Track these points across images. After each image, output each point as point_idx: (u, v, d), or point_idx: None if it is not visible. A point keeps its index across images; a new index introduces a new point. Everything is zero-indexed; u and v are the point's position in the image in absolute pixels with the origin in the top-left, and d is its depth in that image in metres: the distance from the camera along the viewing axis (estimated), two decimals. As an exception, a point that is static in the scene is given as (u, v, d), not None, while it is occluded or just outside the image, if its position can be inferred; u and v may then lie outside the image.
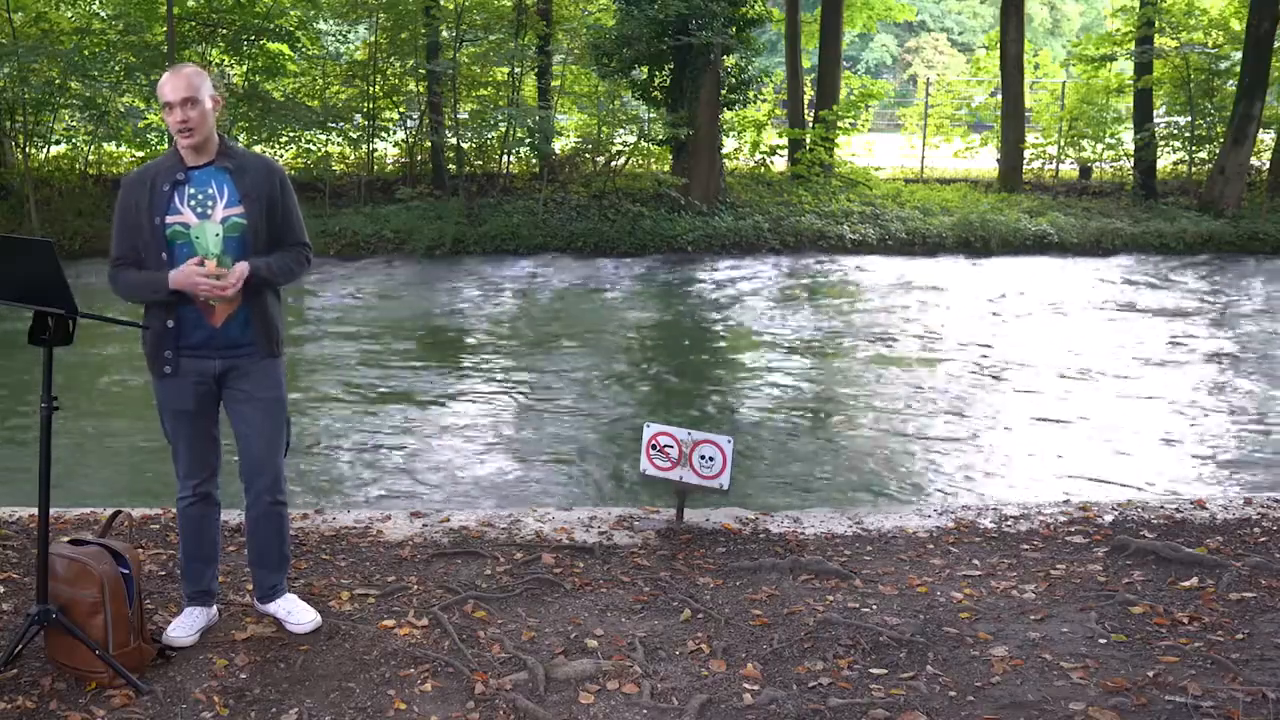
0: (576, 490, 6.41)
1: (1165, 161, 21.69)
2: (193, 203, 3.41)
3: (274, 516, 3.63)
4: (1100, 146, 21.99)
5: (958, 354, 10.02)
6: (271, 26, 18.16)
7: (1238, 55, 19.59)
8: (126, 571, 3.33)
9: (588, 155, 19.38)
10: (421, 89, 19.27)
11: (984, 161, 23.29)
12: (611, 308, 12.52)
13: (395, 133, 20.17)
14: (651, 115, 18.46)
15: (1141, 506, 5.05)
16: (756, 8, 18.17)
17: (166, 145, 16.20)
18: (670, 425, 4.82)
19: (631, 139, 18.91)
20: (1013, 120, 20.87)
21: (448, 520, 4.78)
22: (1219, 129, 20.15)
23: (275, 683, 3.35)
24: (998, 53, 21.71)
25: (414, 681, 3.38)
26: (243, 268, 3.40)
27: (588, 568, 4.29)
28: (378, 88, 19.21)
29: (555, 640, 3.67)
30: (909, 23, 45.94)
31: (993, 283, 14.24)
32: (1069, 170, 22.77)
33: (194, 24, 17.94)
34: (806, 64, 25.14)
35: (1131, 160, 20.86)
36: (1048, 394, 8.59)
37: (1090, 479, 6.54)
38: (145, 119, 18.58)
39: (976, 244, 16.77)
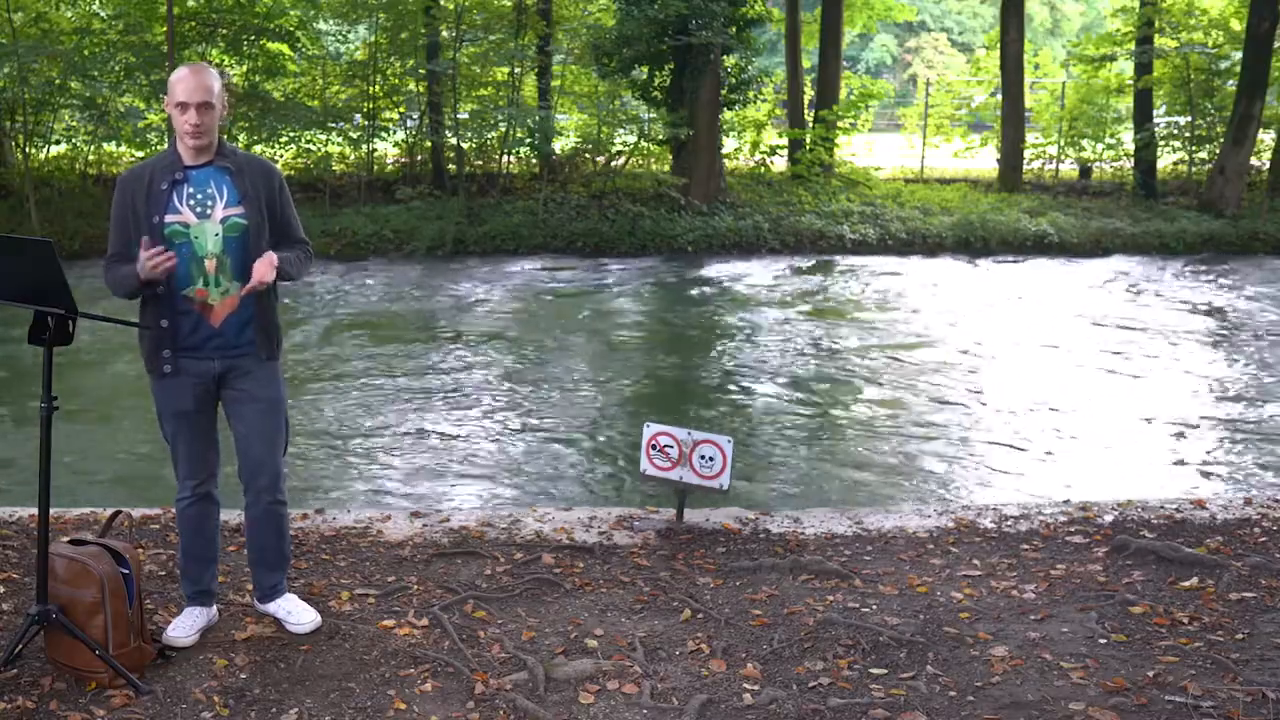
0: (576, 490, 6.41)
1: (1165, 161, 21.70)
2: (192, 202, 3.39)
3: (274, 516, 3.63)
4: (1100, 146, 22.00)
5: (957, 354, 10.03)
6: (271, 26, 18.16)
7: (1238, 55, 19.60)
8: (126, 571, 3.33)
9: (588, 155, 19.39)
10: (421, 89, 19.28)
11: (984, 161, 23.28)
12: (612, 308, 12.51)
13: (395, 133, 20.18)
14: (651, 115, 18.47)
15: (1141, 506, 5.05)
16: (756, 8, 18.18)
17: (166, 145, 16.21)
18: (670, 425, 4.82)
19: (631, 139, 18.92)
20: (1013, 120, 20.88)
21: (448, 520, 4.78)
22: (1219, 129, 20.16)
23: (275, 683, 3.35)
24: (998, 53, 21.72)
25: (414, 681, 3.37)
26: (271, 256, 3.38)
27: (588, 568, 4.29)
28: (378, 88, 19.22)
29: (555, 640, 3.67)
30: (909, 23, 45.93)
31: (994, 282, 14.25)
32: (1069, 170, 22.77)
33: (194, 24, 17.93)
34: (806, 64, 25.14)
35: (1131, 160, 20.87)
36: (1048, 394, 8.59)
37: (1090, 479, 6.54)
38: (145, 119, 18.58)
39: (976, 244, 16.78)
